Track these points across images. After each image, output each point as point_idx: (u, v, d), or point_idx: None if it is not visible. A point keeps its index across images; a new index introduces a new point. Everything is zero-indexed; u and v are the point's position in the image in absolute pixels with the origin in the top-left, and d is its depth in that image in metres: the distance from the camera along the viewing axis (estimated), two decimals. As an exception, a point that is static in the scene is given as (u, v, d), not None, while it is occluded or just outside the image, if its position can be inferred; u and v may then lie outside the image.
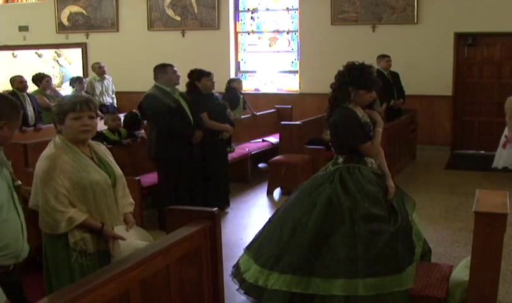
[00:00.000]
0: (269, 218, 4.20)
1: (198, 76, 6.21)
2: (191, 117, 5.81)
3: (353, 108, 3.91)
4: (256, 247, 3.98)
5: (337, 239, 3.61)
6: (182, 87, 6.13)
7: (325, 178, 3.89)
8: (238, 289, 3.88)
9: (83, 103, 2.96)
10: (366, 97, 3.93)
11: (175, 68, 5.79)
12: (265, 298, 3.67)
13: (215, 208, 3.31)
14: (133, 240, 3.07)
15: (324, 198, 3.75)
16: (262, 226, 4.21)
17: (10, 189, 2.54)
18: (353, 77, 3.86)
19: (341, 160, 3.93)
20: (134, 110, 6.89)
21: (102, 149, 3.19)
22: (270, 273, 3.70)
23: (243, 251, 4.11)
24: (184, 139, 5.73)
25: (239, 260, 4.07)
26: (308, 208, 3.80)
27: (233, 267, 4.08)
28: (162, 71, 5.75)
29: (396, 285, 3.51)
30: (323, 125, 4.33)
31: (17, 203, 2.57)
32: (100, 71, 9.86)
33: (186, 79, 6.26)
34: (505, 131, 7.34)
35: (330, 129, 4.00)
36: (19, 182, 4.08)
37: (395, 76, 8.77)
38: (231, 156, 7.10)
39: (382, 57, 8.63)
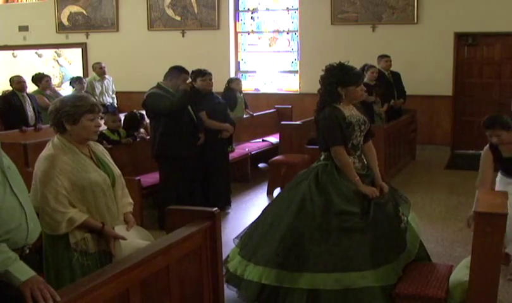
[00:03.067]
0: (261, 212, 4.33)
1: (194, 76, 6.23)
2: (194, 116, 5.82)
3: (342, 108, 3.95)
4: (244, 240, 4.11)
5: (306, 234, 3.70)
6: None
7: (305, 175, 3.99)
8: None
9: (95, 105, 3.04)
10: (357, 92, 4.01)
11: (189, 79, 5.80)
12: (241, 288, 3.80)
13: (215, 208, 3.31)
14: (134, 239, 3.07)
15: (299, 196, 3.86)
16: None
17: (4, 174, 2.41)
18: (337, 77, 3.93)
19: (322, 157, 4.02)
20: (134, 110, 6.89)
21: (100, 149, 3.19)
22: (248, 263, 3.83)
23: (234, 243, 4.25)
24: (189, 135, 5.73)
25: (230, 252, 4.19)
26: (285, 204, 3.94)
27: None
28: (176, 75, 5.70)
29: (364, 281, 3.53)
30: (312, 127, 4.35)
31: (15, 187, 2.43)
32: (100, 71, 9.85)
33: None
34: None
35: (316, 127, 4.09)
36: None
37: (396, 75, 8.78)
38: (231, 156, 7.09)
39: (381, 57, 8.65)
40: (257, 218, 4.22)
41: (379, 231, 3.73)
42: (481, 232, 3.38)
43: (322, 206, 3.75)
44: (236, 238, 4.22)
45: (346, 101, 3.97)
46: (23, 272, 2.28)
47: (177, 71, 5.72)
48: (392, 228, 3.84)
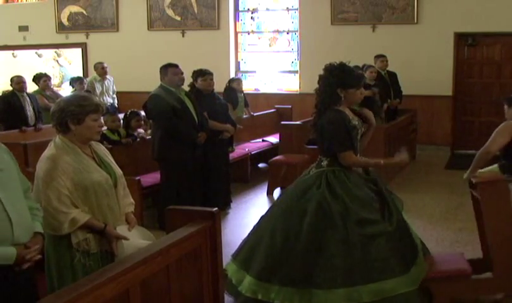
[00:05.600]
0: (254, 226, 4.02)
1: (195, 76, 6.24)
2: (196, 117, 5.80)
3: (343, 110, 3.80)
4: (245, 256, 3.81)
5: (332, 248, 3.52)
6: (187, 87, 6.15)
7: (311, 182, 3.77)
8: None
9: (99, 105, 3.07)
10: (357, 95, 3.84)
11: (178, 68, 5.77)
12: None
13: (215, 208, 3.31)
14: (135, 239, 3.07)
15: (314, 204, 3.63)
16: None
17: None
18: (338, 78, 3.75)
19: (325, 162, 3.80)
20: (134, 109, 6.88)
21: (102, 149, 3.20)
22: (269, 285, 3.57)
23: (229, 259, 3.90)
24: (188, 140, 5.72)
25: (226, 269, 3.78)
26: (298, 215, 3.67)
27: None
28: (164, 71, 5.77)
29: (402, 287, 3.44)
30: (309, 130, 4.07)
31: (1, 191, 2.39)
32: (102, 72, 9.82)
33: (191, 80, 6.28)
34: None
35: (318, 131, 3.87)
36: None
37: (392, 75, 8.78)
38: (231, 156, 7.09)
39: (378, 57, 8.69)
40: (252, 232, 3.93)
41: (400, 233, 3.63)
42: (489, 201, 3.59)
43: (340, 211, 3.57)
44: (233, 257, 3.88)
45: (344, 104, 3.82)
46: (7, 257, 2.37)
47: (164, 69, 5.78)
48: (405, 227, 3.72)
